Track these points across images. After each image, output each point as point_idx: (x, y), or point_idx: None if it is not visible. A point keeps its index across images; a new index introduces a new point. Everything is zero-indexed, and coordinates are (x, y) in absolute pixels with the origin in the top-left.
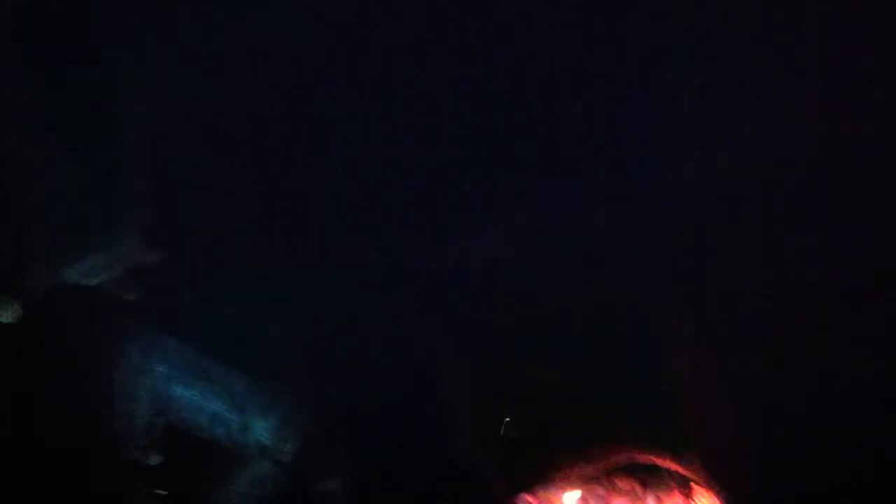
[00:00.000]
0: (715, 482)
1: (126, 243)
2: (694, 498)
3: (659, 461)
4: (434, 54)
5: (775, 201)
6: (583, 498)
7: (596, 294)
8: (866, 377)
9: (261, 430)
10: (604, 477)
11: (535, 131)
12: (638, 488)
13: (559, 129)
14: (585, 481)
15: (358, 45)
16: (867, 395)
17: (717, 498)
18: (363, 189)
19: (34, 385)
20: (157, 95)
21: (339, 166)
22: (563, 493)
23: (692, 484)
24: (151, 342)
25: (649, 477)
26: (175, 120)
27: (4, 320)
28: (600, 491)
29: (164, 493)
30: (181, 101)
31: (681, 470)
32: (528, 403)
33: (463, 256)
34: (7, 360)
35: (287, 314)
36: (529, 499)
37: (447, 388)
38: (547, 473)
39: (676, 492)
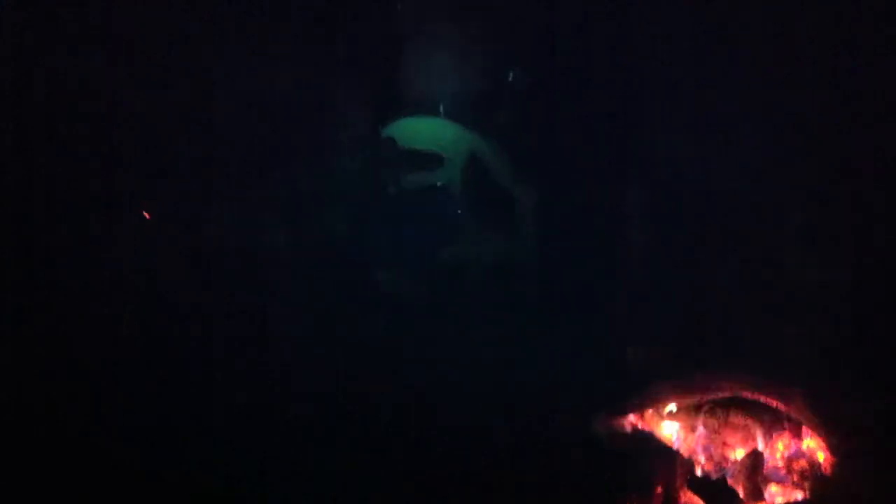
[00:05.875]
0: (819, 426)
1: None
2: (803, 439)
3: (764, 399)
4: None
5: None
6: (693, 426)
7: None
8: None
9: None
10: (719, 409)
11: None
12: (750, 423)
13: None
14: (695, 412)
15: None
16: None
17: (824, 442)
18: None
19: None
20: None
21: None
22: (666, 420)
23: (802, 426)
24: None
25: (761, 413)
26: None
27: None
28: (713, 422)
29: None
30: None
31: (786, 409)
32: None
33: None
34: None
35: None
36: (635, 419)
37: None
38: (650, 400)
39: (787, 432)
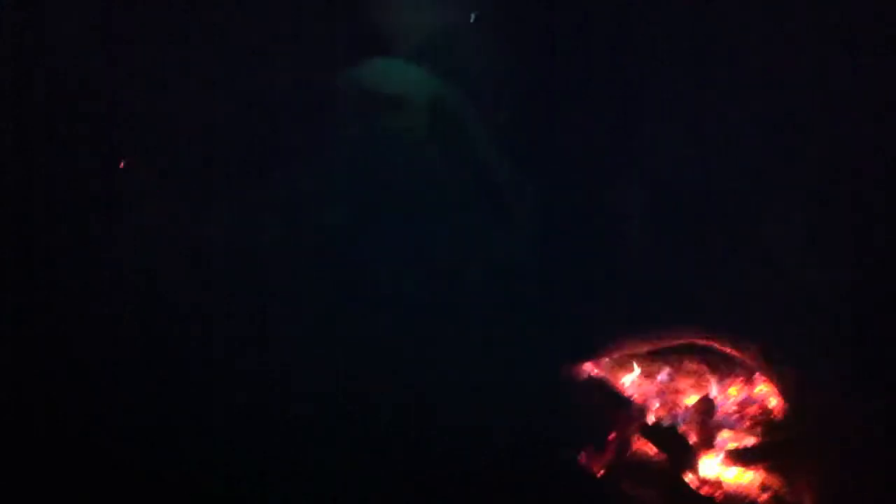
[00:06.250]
0: (771, 372)
1: None
2: (755, 385)
3: (718, 345)
4: None
5: None
6: (648, 373)
7: None
8: None
9: None
10: (673, 355)
11: None
12: (704, 370)
13: None
14: (650, 358)
15: None
16: None
17: (776, 388)
18: None
19: None
20: None
21: None
22: (624, 369)
23: (755, 372)
24: None
25: (715, 360)
26: None
27: None
28: (668, 369)
29: None
30: None
31: (740, 356)
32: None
33: None
34: None
35: None
36: (593, 367)
37: None
38: (606, 349)
39: (741, 378)
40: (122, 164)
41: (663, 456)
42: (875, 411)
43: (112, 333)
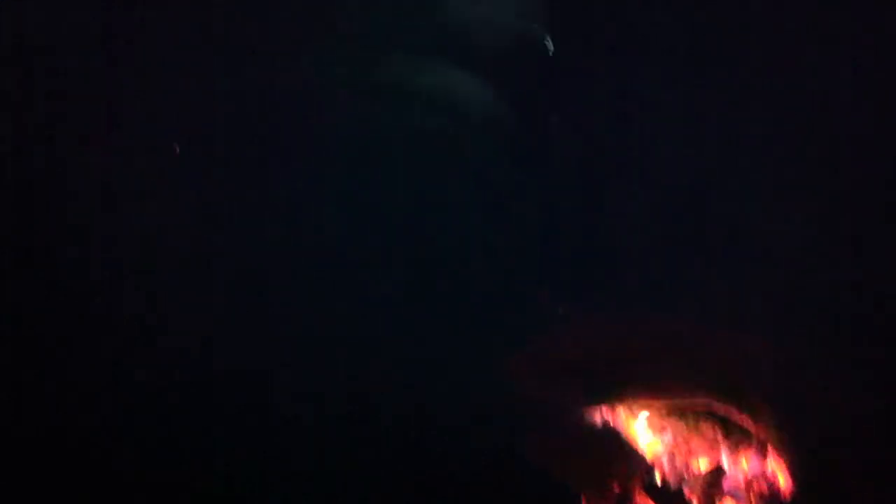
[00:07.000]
0: (785, 448)
1: None
2: (768, 459)
3: (735, 415)
4: None
5: None
6: (662, 429)
7: None
8: None
9: None
10: (690, 415)
11: None
12: (718, 436)
13: None
14: (665, 416)
15: None
16: None
17: (787, 466)
18: None
19: None
20: None
21: None
22: (636, 420)
23: (769, 445)
24: None
25: (729, 427)
26: None
27: None
28: (682, 428)
29: None
30: None
31: (754, 428)
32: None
33: None
34: None
35: None
36: (606, 414)
37: None
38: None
39: (753, 449)
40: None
41: None
42: (875, 411)
43: (112, 333)
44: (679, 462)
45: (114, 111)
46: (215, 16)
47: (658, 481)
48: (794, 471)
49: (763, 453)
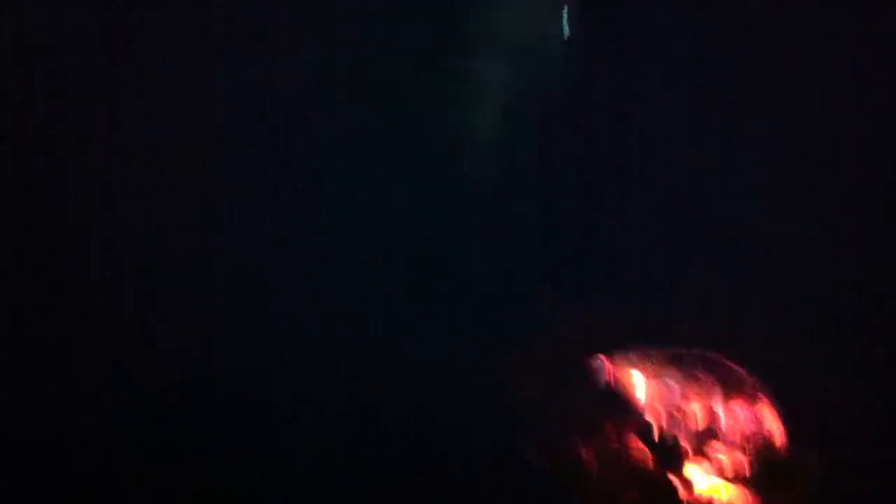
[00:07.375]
0: (774, 397)
1: None
2: (758, 407)
3: (729, 361)
4: None
5: None
6: (657, 375)
7: None
8: None
9: None
10: (684, 362)
11: None
12: (713, 382)
13: None
14: (661, 361)
15: None
16: None
17: (777, 414)
18: None
19: None
20: None
21: None
22: (634, 367)
23: (759, 392)
24: None
25: (724, 374)
26: None
27: None
28: (677, 374)
29: None
30: None
31: (748, 375)
32: None
33: None
34: None
35: None
36: (605, 359)
37: None
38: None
39: (745, 398)
40: None
41: (652, 455)
42: (875, 411)
43: (112, 333)
44: (674, 410)
45: (114, 111)
46: (215, 16)
47: (654, 429)
48: (784, 416)
49: (754, 399)
